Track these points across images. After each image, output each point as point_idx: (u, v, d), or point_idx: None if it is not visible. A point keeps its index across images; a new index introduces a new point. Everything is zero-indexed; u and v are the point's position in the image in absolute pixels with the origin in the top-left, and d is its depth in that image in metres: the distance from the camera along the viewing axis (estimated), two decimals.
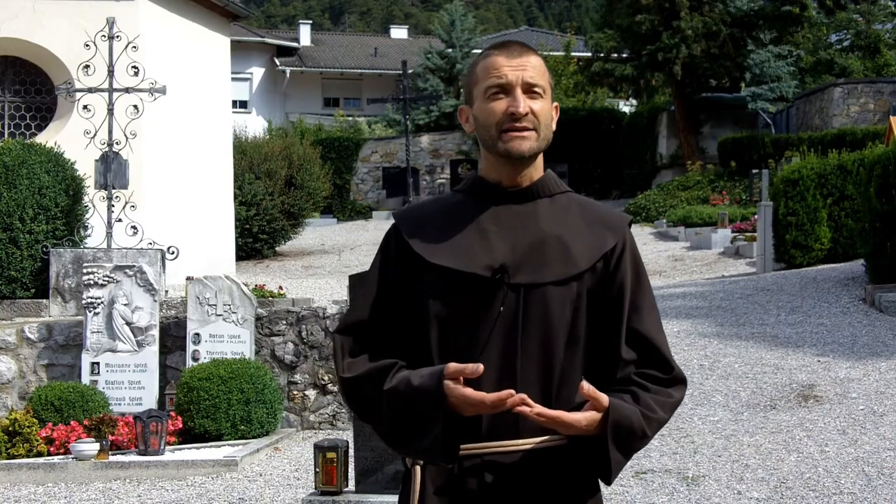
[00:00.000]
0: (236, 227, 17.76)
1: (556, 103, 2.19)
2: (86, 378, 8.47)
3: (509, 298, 2.05)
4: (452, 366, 1.96)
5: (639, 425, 2.03)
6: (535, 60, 2.12)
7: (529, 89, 2.09)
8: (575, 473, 2.08)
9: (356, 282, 5.64)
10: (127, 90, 10.08)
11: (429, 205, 2.23)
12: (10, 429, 7.59)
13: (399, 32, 44.17)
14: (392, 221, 2.23)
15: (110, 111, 10.18)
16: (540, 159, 2.17)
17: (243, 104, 35.39)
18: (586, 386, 1.98)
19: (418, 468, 2.08)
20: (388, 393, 2.04)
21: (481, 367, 1.94)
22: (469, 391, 1.95)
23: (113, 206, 10.02)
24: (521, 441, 2.04)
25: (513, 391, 1.92)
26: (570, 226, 2.13)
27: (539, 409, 1.94)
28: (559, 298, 2.06)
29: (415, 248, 2.12)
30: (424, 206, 2.24)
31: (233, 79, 19.51)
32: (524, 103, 2.07)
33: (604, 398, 1.98)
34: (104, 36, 10.33)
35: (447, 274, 2.08)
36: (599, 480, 2.12)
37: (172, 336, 8.87)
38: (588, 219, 2.15)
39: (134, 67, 9.98)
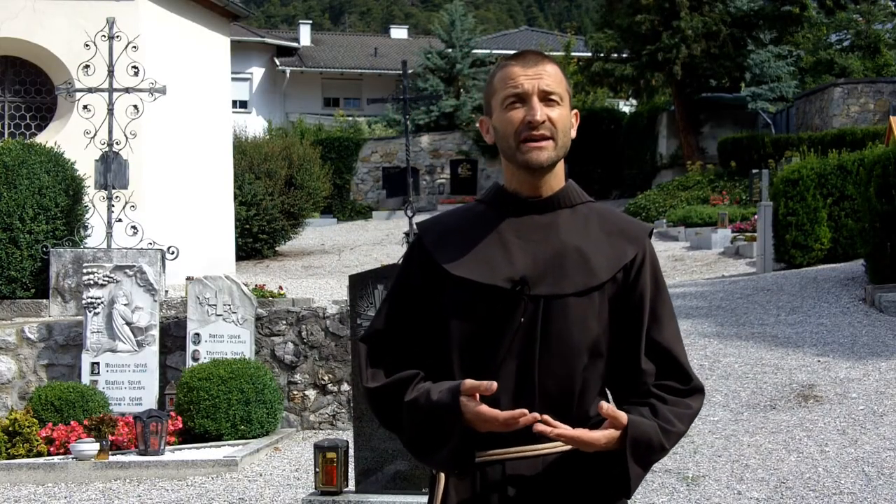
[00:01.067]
0: (236, 227, 17.76)
1: (575, 110, 2.20)
2: (86, 378, 8.47)
3: (529, 310, 2.06)
4: (468, 382, 1.99)
5: (657, 439, 2.05)
6: (551, 69, 2.13)
7: (546, 97, 2.10)
8: (597, 477, 2.09)
9: (356, 282, 5.64)
10: (127, 90, 10.08)
11: (452, 215, 2.25)
12: (10, 429, 7.59)
13: (399, 32, 44.16)
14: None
15: (110, 111, 10.18)
16: (560, 168, 2.17)
17: (243, 104, 35.39)
18: (605, 406, 2.00)
19: (442, 475, 2.11)
20: (408, 405, 2.07)
21: (495, 384, 1.97)
22: (484, 408, 1.98)
23: (113, 206, 10.02)
24: (541, 446, 2.06)
25: (526, 410, 1.95)
26: (591, 237, 2.14)
27: (559, 429, 1.96)
28: (579, 310, 2.08)
29: (438, 259, 2.15)
30: (448, 216, 2.26)
31: (233, 79, 19.51)
32: (541, 111, 2.08)
33: (623, 416, 2.00)
34: (104, 36, 10.33)
35: (469, 286, 2.10)
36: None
37: (172, 336, 8.87)
38: (608, 229, 2.16)
39: (134, 67, 9.98)
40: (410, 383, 2.09)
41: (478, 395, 1.99)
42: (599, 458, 2.05)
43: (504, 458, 2.06)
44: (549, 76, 2.12)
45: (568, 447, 2.06)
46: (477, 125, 2.36)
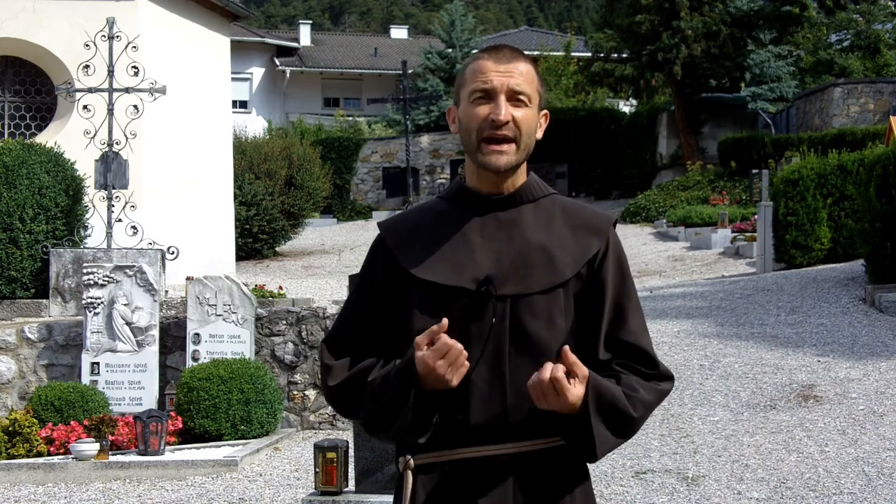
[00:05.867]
0: (236, 227, 17.75)
1: (545, 111, 2.18)
2: (86, 378, 8.47)
3: (497, 310, 2.06)
4: (420, 336, 1.99)
5: (622, 401, 2.03)
6: (523, 67, 2.10)
7: (514, 96, 2.08)
8: (563, 470, 2.09)
9: (356, 282, 5.64)
10: (127, 90, 10.07)
11: (414, 214, 2.23)
12: (10, 429, 7.59)
13: (399, 32, 44.17)
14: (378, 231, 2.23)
15: (110, 111, 10.18)
16: (523, 164, 2.16)
17: (243, 104, 35.39)
18: (567, 350, 1.97)
19: (410, 472, 2.10)
20: (370, 383, 2.07)
21: (445, 320, 1.97)
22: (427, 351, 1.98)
23: (113, 206, 10.01)
24: (508, 444, 2.06)
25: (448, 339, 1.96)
26: (555, 233, 2.13)
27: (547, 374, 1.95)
28: (546, 308, 2.07)
29: (401, 261, 2.13)
30: (410, 215, 2.24)
31: (233, 79, 19.51)
32: (506, 111, 2.06)
33: (584, 368, 1.98)
34: (104, 36, 10.32)
35: (434, 288, 2.09)
36: (588, 465, 2.14)
37: (172, 336, 8.86)
38: (572, 223, 2.15)
39: (134, 67, 9.97)
40: (370, 370, 2.09)
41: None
42: (565, 425, 2.03)
43: (473, 457, 2.05)
44: (521, 75, 2.09)
45: (537, 445, 2.06)
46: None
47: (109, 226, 9.99)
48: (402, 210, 24.27)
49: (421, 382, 1.99)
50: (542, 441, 2.06)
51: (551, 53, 34.56)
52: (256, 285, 11.14)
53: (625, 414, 2.04)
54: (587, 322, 2.12)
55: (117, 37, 10.27)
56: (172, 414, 7.96)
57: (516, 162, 2.10)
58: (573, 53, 34.98)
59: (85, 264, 8.84)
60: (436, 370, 1.96)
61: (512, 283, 2.07)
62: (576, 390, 1.97)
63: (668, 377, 2.15)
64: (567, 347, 1.98)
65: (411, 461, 2.09)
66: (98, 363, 8.53)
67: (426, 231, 2.16)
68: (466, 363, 1.98)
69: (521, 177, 2.16)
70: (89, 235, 10.52)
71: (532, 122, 2.11)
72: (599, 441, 2.02)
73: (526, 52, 2.17)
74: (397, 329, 2.12)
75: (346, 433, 8.10)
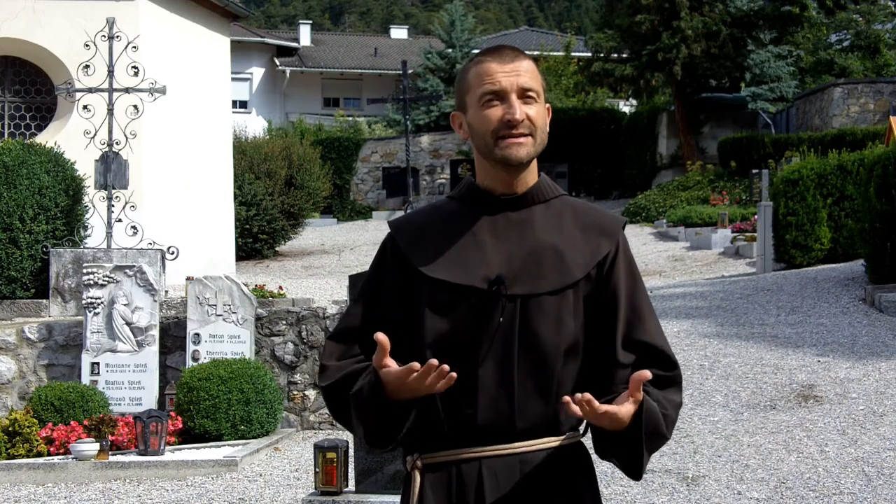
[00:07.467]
0: (236, 227, 17.75)
1: (547, 105, 2.18)
2: (86, 378, 8.46)
3: (507, 309, 2.06)
4: (375, 359, 1.97)
5: (662, 425, 2.03)
6: (527, 65, 2.11)
7: (524, 94, 2.09)
8: (570, 470, 2.10)
9: (356, 282, 5.64)
10: (127, 90, 10.07)
11: (424, 214, 2.23)
12: (10, 429, 7.59)
13: (399, 32, 44.18)
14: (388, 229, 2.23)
15: (110, 111, 10.17)
16: (534, 163, 2.16)
17: (243, 104, 35.39)
18: (638, 388, 1.93)
19: (417, 472, 2.10)
20: (352, 397, 2.06)
21: (380, 334, 1.94)
22: (397, 369, 1.96)
23: (113, 206, 10.01)
24: (516, 444, 2.06)
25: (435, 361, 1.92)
26: (565, 233, 2.13)
27: (598, 406, 1.91)
28: (555, 308, 2.07)
29: (412, 260, 2.13)
30: (420, 214, 2.23)
31: (233, 79, 19.50)
32: (520, 110, 2.07)
33: (641, 393, 1.95)
34: (104, 36, 10.32)
35: (445, 287, 2.09)
36: (593, 464, 2.15)
37: (172, 336, 8.86)
38: (582, 224, 2.15)
39: (134, 67, 9.97)
40: (357, 377, 2.07)
41: (390, 361, 1.97)
42: (613, 441, 2.01)
43: (480, 457, 2.06)
44: (527, 73, 2.10)
45: (544, 445, 2.06)
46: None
47: (109, 226, 9.99)
48: (402, 210, 24.20)
49: (393, 397, 1.99)
50: (550, 440, 2.07)
51: (551, 53, 34.57)
52: (256, 285, 11.15)
53: (662, 437, 2.05)
54: (597, 324, 2.11)
55: (117, 37, 10.27)
56: (172, 414, 7.97)
57: (534, 154, 2.11)
58: (573, 53, 34.99)
59: (85, 264, 8.83)
60: (408, 390, 1.97)
61: (522, 283, 2.07)
62: (626, 410, 1.94)
63: (679, 382, 2.14)
64: (638, 375, 1.92)
65: (419, 461, 2.10)
66: (98, 363, 8.52)
67: (437, 230, 2.16)
68: (453, 374, 1.93)
69: (532, 176, 2.16)
70: (89, 235, 10.52)
71: (543, 116, 2.12)
72: (646, 462, 2.04)
73: (525, 52, 2.17)
74: (405, 328, 2.12)
75: (346, 433, 8.10)
